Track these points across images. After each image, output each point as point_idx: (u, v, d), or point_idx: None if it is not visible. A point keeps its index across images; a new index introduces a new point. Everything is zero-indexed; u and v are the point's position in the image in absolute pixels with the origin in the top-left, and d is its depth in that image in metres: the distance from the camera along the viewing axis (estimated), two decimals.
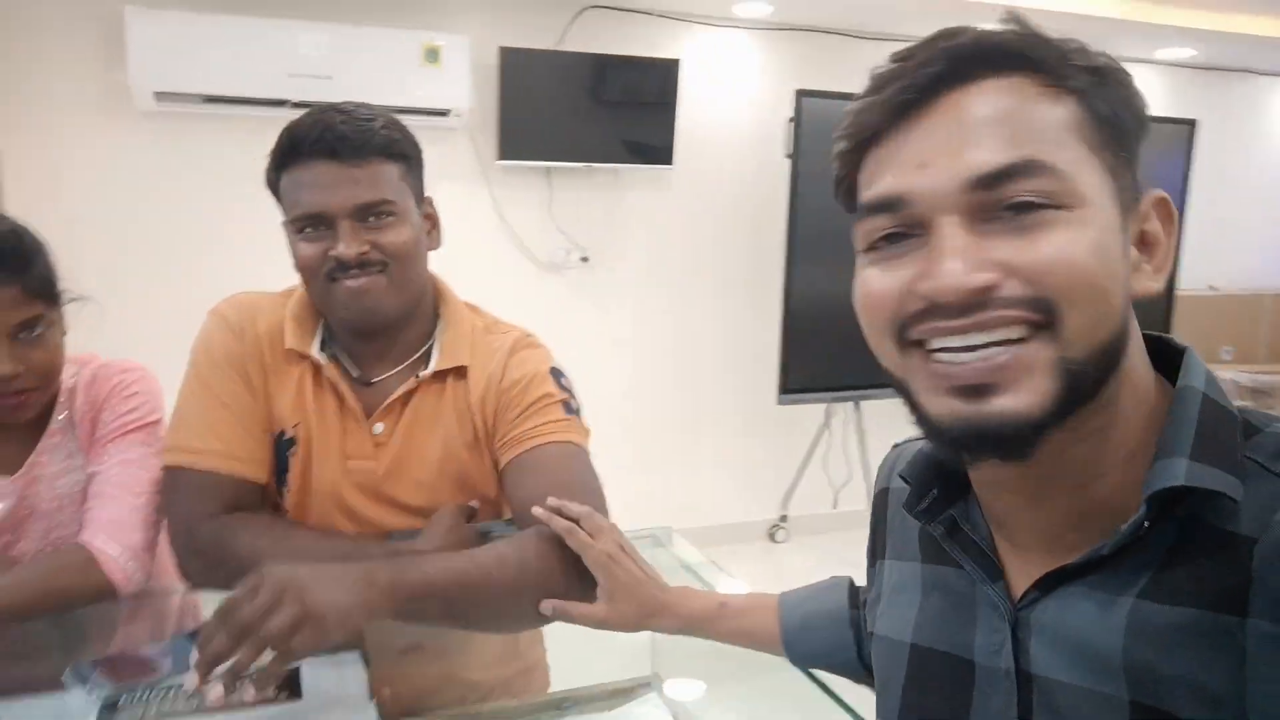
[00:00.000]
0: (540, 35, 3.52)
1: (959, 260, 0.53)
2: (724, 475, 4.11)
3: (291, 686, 0.98)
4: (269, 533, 1.10)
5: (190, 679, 0.82)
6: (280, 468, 1.16)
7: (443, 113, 3.35)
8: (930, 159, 0.54)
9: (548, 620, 1.03)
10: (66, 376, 1.24)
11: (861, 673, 0.92)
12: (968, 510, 0.66)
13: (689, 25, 3.77)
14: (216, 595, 1.10)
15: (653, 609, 0.99)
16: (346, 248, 1.07)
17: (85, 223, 3.10)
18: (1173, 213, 0.59)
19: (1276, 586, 0.50)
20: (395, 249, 1.10)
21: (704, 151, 3.84)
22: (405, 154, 1.13)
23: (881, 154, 0.57)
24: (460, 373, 1.18)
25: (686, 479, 4.01)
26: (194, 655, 0.83)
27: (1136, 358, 0.58)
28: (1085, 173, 0.54)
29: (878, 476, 0.81)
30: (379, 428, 1.16)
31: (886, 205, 0.56)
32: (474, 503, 1.19)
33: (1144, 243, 0.58)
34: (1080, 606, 0.57)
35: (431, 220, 1.19)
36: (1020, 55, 0.55)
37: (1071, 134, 0.54)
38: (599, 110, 3.60)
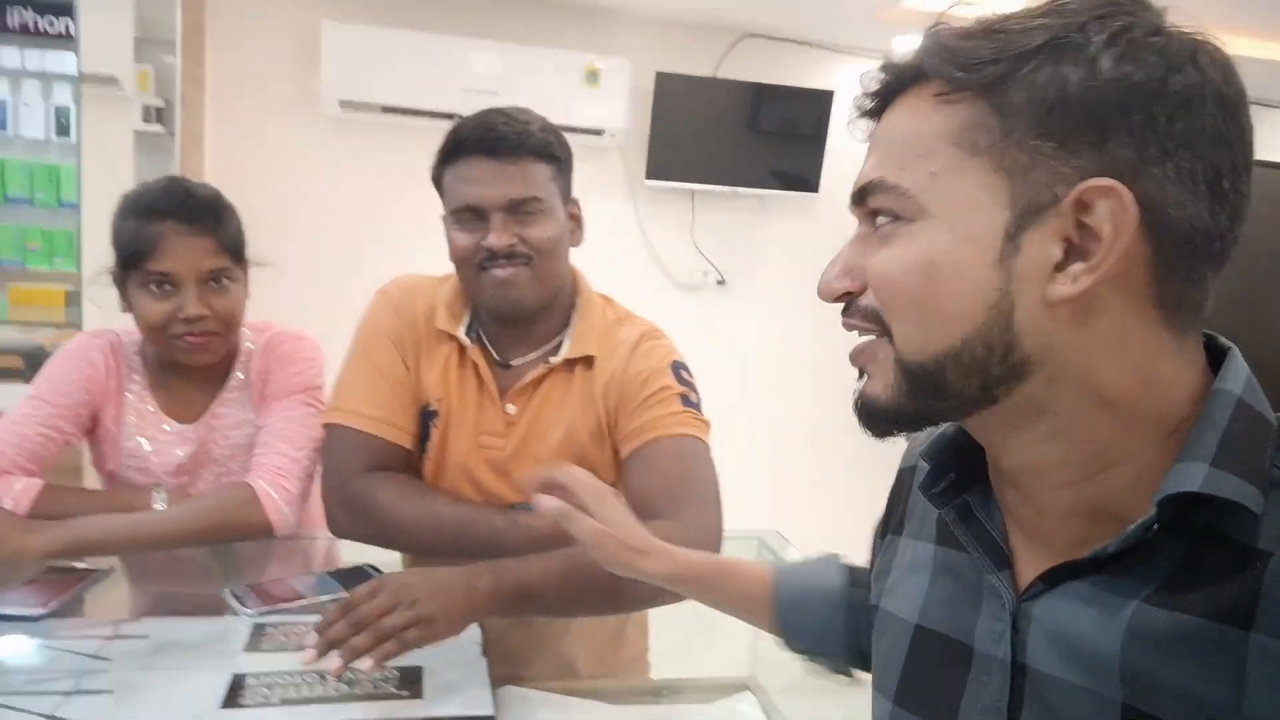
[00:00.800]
0: (697, 62, 3.63)
1: (830, 267, 0.61)
2: (847, 501, 4.07)
3: (413, 680, 1.03)
4: (407, 493, 1.22)
5: (308, 654, 0.95)
6: (422, 436, 1.28)
7: (598, 132, 3.50)
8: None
9: (644, 603, 1.09)
10: (245, 340, 1.40)
11: (842, 655, 0.91)
12: (984, 496, 0.65)
13: (845, 56, 3.79)
14: (354, 544, 1.24)
15: (642, 548, 0.92)
16: (497, 238, 1.17)
17: (275, 208, 3.39)
18: (1125, 203, 0.50)
19: None
20: (540, 243, 1.19)
21: (851, 181, 3.84)
22: (556, 156, 1.22)
23: None
24: (588, 362, 1.26)
25: (809, 503, 4.00)
26: (311, 637, 0.96)
27: (1108, 362, 0.53)
28: (944, 184, 0.54)
29: (906, 454, 0.80)
30: (511, 408, 1.26)
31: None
32: None
33: (1087, 238, 0.51)
34: (1083, 604, 0.56)
35: (576, 219, 1.28)
36: (918, 70, 0.56)
37: (943, 143, 0.54)
38: (749, 137, 3.67)
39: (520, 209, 1.19)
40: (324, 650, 0.94)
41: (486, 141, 1.17)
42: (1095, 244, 0.51)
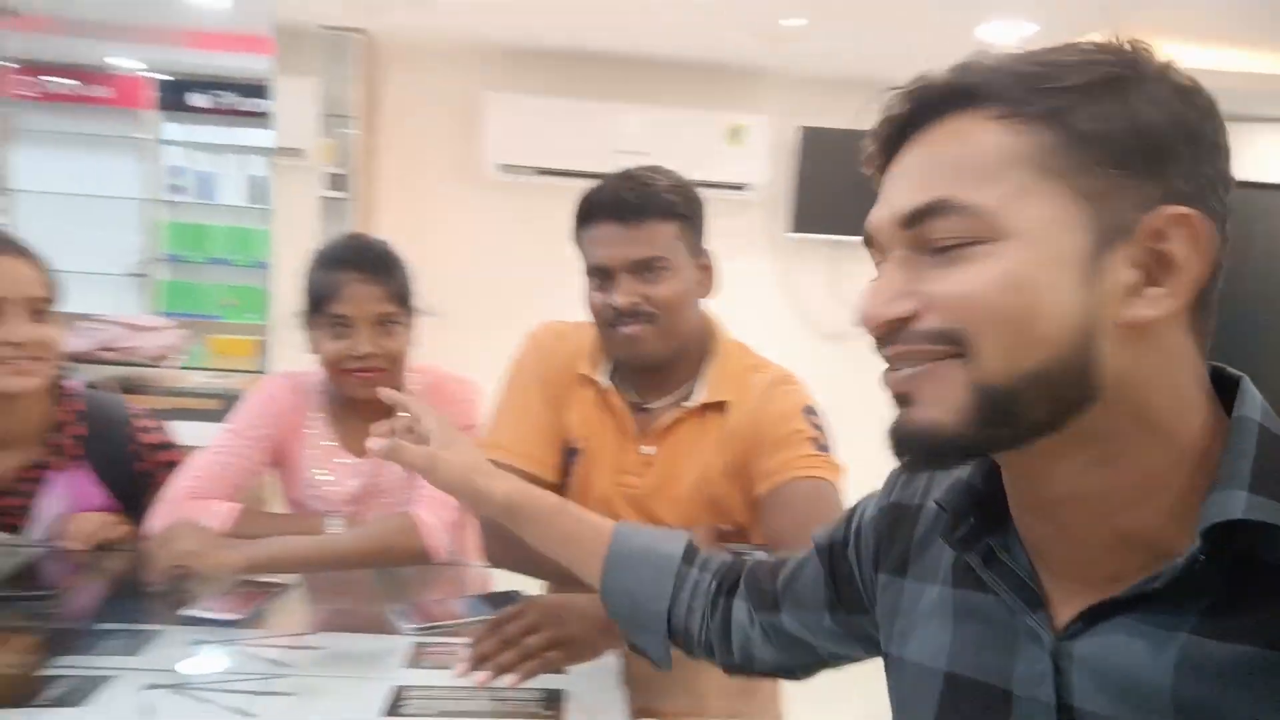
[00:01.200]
0: (838, 115, 3.67)
1: (877, 293, 0.58)
2: None
3: (555, 702, 1.08)
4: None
5: (459, 668, 1.05)
6: (565, 473, 1.36)
7: (740, 187, 3.59)
8: (887, 197, 0.59)
9: None
10: (411, 382, 1.54)
11: (660, 629, 0.91)
12: (1006, 539, 0.64)
13: None
14: (504, 573, 1.33)
15: (487, 469, 0.95)
16: (622, 298, 1.26)
17: (441, 263, 3.62)
18: (1199, 232, 0.53)
19: None
20: (664, 301, 1.26)
21: None
22: (682, 213, 1.28)
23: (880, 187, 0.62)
24: (721, 407, 1.32)
25: None
26: (464, 653, 1.06)
27: (1159, 389, 0.55)
28: (1021, 204, 0.54)
29: (889, 489, 0.78)
30: (648, 449, 1.33)
31: (866, 239, 0.62)
32: (727, 526, 1.31)
33: (1159, 264, 0.53)
34: (1128, 640, 0.55)
35: (707, 270, 1.34)
36: (971, 91, 0.56)
37: (1015, 165, 0.54)
38: None
39: (644, 269, 1.26)
40: (474, 664, 1.03)
41: (612, 206, 1.26)
42: (1167, 271, 0.53)
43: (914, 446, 0.57)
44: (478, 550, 1.36)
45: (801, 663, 0.88)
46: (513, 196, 3.68)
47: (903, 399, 0.58)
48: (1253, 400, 0.56)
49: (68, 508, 1.43)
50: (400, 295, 1.48)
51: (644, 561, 0.91)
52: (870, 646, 0.81)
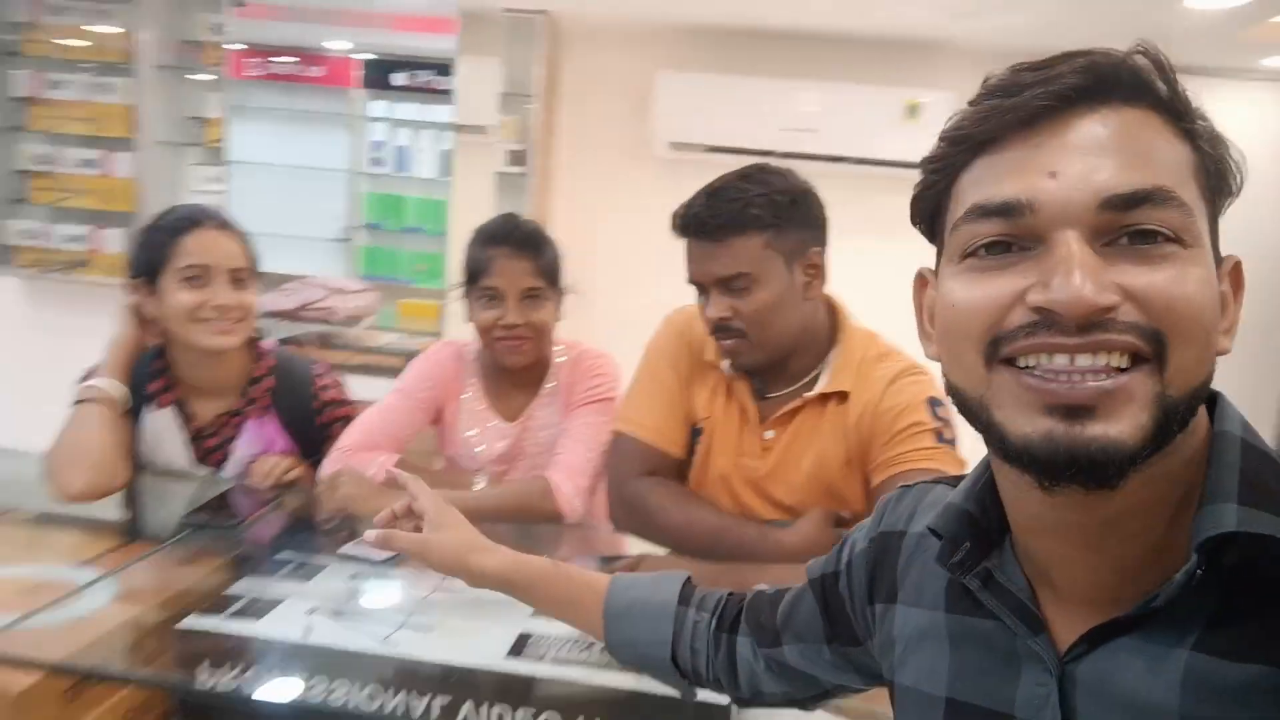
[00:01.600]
0: None
1: (1088, 275, 0.50)
2: None
3: None
4: (674, 499, 1.37)
5: None
6: (688, 451, 1.43)
7: (916, 166, 3.50)
8: (1062, 169, 0.52)
9: None
10: (558, 355, 1.65)
11: (670, 672, 0.90)
12: (1002, 563, 0.63)
13: (1203, 79, 3.45)
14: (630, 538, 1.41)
15: (480, 545, 0.96)
16: (711, 311, 1.31)
17: (610, 239, 3.76)
18: (1243, 281, 0.57)
19: None
20: (751, 315, 1.29)
21: None
22: (771, 223, 1.28)
23: (1001, 159, 0.55)
24: (843, 396, 1.33)
25: None
26: None
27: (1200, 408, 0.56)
28: (1199, 215, 0.53)
29: (878, 517, 0.78)
30: (769, 434, 1.37)
31: (1006, 210, 0.53)
32: (845, 513, 1.33)
33: (1222, 303, 0.55)
34: (1130, 660, 0.54)
35: (815, 269, 1.34)
36: (1153, 90, 0.54)
37: (1191, 176, 0.54)
38: None
39: (730, 285, 1.29)
40: None
41: (696, 224, 1.30)
42: (1225, 309, 0.56)
43: (1085, 465, 0.51)
44: (607, 515, 1.45)
45: (809, 694, 0.87)
46: (681, 174, 3.74)
47: (1079, 411, 0.51)
48: (1232, 415, 0.57)
49: (257, 450, 1.64)
50: (547, 271, 1.58)
51: (641, 611, 0.91)
52: (868, 677, 0.81)
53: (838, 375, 1.35)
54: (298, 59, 4.68)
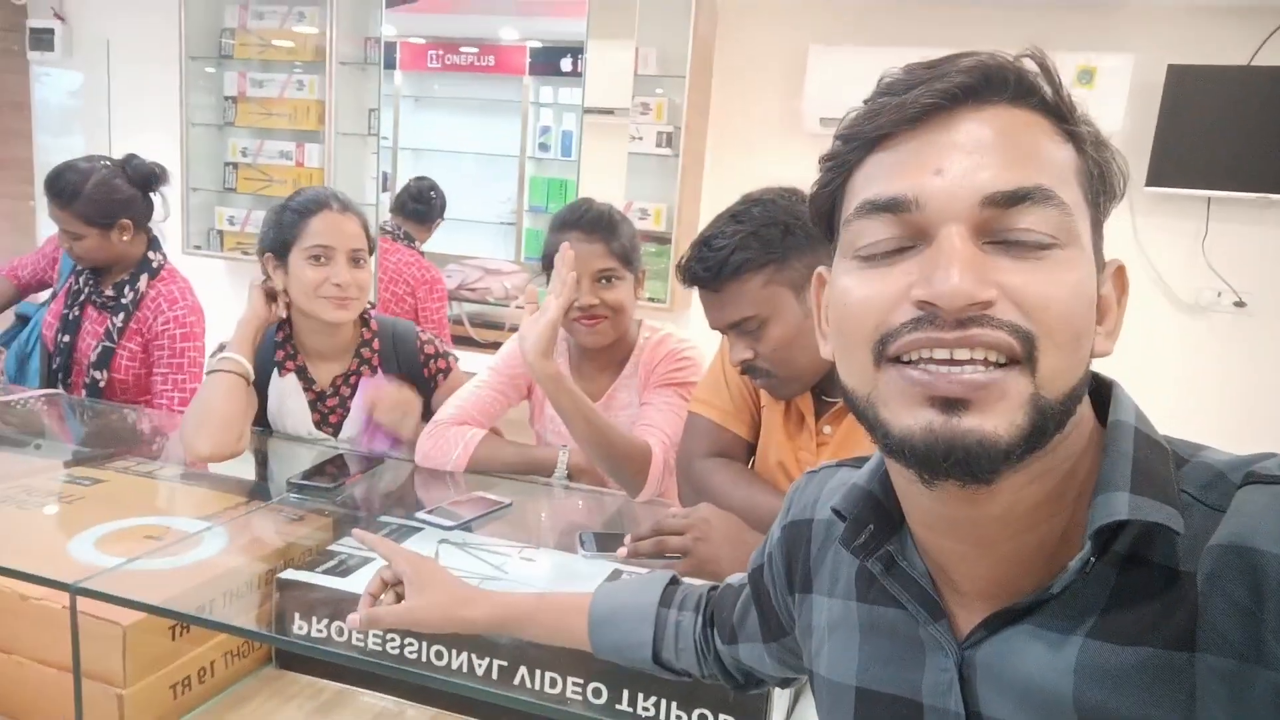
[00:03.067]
0: (1224, 52, 3.14)
1: (968, 269, 0.51)
2: None
3: None
4: (735, 480, 1.38)
5: (623, 551, 1.23)
6: (757, 433, 1.42)
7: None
8: (946, 167, 0.53)
9: None
10: (642, 339, 1.67)
11: (651, 668, 0.92)
12: (903, 546, 0.63)
13: None
14: None
15: (464, 598, 0.96)
16: (734, 356, 1.31)
17: None
18: (1127, 284, 0.59)
19: (1218, 619, 0.49)
20: (771, 353, 1.28)
21: None
22: (764, 262, 1.24)
23: (891, 156, 0.55)
24: None
25: None
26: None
27: (1084, 403, 0.56)
28: (1080, 217, 0.54)
29: (789, 506, 0.78)
30: (826, 429, 1.37)
31: (892, 205, 0.54)
32: None
33: (1101, 306, 0.56)
34: (1027, 646, 0.56)
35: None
36: (1040, 93, 0.55)
37: (1074, 177, 0.55)
38: None
39: (743, 328, 1.28)
40: (633, 551, 1.23)
41: (690, 279, 1.30)
42: (1108, 312, 0.58)
43: (960, 457, 0.51)
44: (677, 494, 1.47)
45: (782, 677, 0.89)
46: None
47: (956, 404, 0.51)
48: (1126, 404, 0.58)
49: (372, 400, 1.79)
50: (620, 253, 1.60)
51: (623, 617, 0.93)
52: (801, 667, 0.81)
53: None
54: (476, 49, 4.93)
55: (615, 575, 1.29)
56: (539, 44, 4.67)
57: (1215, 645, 0.49)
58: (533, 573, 1.31)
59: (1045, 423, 0.51)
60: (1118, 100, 3.15)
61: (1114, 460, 0.54)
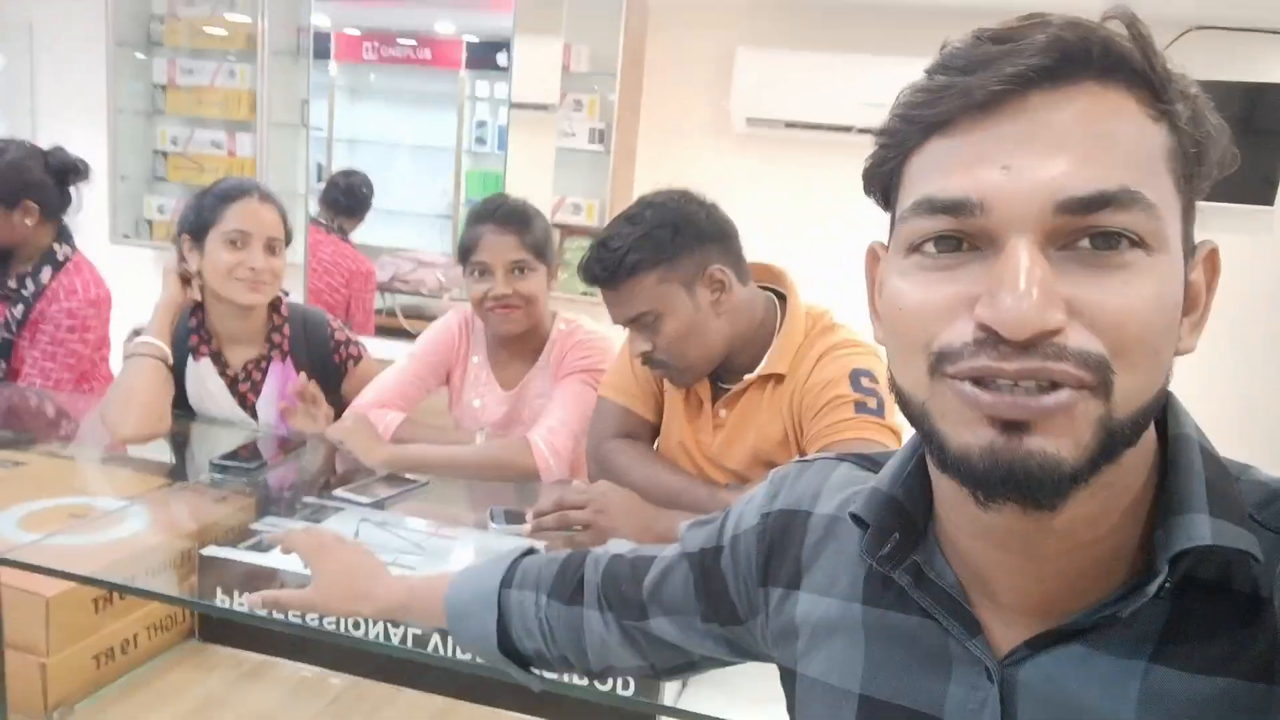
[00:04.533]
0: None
1: (1037, 292, 0.45)
2: None
3: None
4: (640, 459, 1.47)
5: (525, 528, 1.30)
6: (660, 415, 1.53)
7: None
8: (1017, 164, 0.47)
9: None
10: (555, 330, 1.76)
11: (504, 663, 0.88)
12: (931, 557, 0.59)
13: None
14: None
15: (355, 594, 0.95)
16: (633, 349, 1.43)
17: None
18: (1219, 267, 0.51)
19: None
20: (666, 346, 1.38)
21: None
22: (656, 261, 1.35)
23: (951, 146, 0.49)
24: (779, 379, 1.40)
25: None
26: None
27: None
28: (1168, 212, 0.47)
29: (775, 494, 0.73)
30: (722, 412, 1.47)
31: (954, 208, 0.48)
32: None
33: (1189, 296, 0.50)
34: (1079, 668, 0.52)
35: (721, 284, 1.38)
36: (1130, 65, 0.47)
37: (1165, 164, 0.48)
38: None
39: (640, 322, 1.38)
40: (537, 527, 1.31)
41: (590, 278, 1.40)
42: (1196, 302, 0.51)
43: (1021, 480, 0.47)
44: (585, 474, 1.56)
45: (671, 665, 0.83)
46: (760, 149, 3.77)
47: (1019, 425, 0.47)
48: (1186, 417, 0.53)
49: (282, 385, 1.84)
50: (534, 245, 1.69)
51: (472, 605, 0.89)
52: (742, 653, 0.78)
53: (772, 360, 1.41)
54: (413, 42, 4.94)
55: (530, 551, 1.37)
56: (475, 38, 4.71)
57: None
58: (449, 548, 1.38)
59: (1114, 443, 0.47)
60: None
61: (1186, 479, 0.50)
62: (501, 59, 4.85)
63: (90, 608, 1.35)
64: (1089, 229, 0.46)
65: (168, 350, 1.73)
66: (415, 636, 1.16)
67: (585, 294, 3.71)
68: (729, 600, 0.75)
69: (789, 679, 0.69)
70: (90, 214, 2.21)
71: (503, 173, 4.07)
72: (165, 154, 4.31)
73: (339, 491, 1.50)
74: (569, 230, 3.86)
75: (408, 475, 1.59)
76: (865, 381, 1.33)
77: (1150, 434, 0.52)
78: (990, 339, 0.46)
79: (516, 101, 3.70)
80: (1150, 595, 0.49)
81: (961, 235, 0.49)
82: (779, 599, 0.70)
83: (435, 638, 1.15)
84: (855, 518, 0.60)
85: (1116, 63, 0.47)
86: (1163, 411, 0.53)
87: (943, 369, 0.49)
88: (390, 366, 1.82)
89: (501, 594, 0.87)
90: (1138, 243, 0.46)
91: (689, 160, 3.85)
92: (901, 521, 0.59)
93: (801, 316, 1.45)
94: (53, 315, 2.05)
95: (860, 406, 1.31)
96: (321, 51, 4.26)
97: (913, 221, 0.50)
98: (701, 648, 0.79)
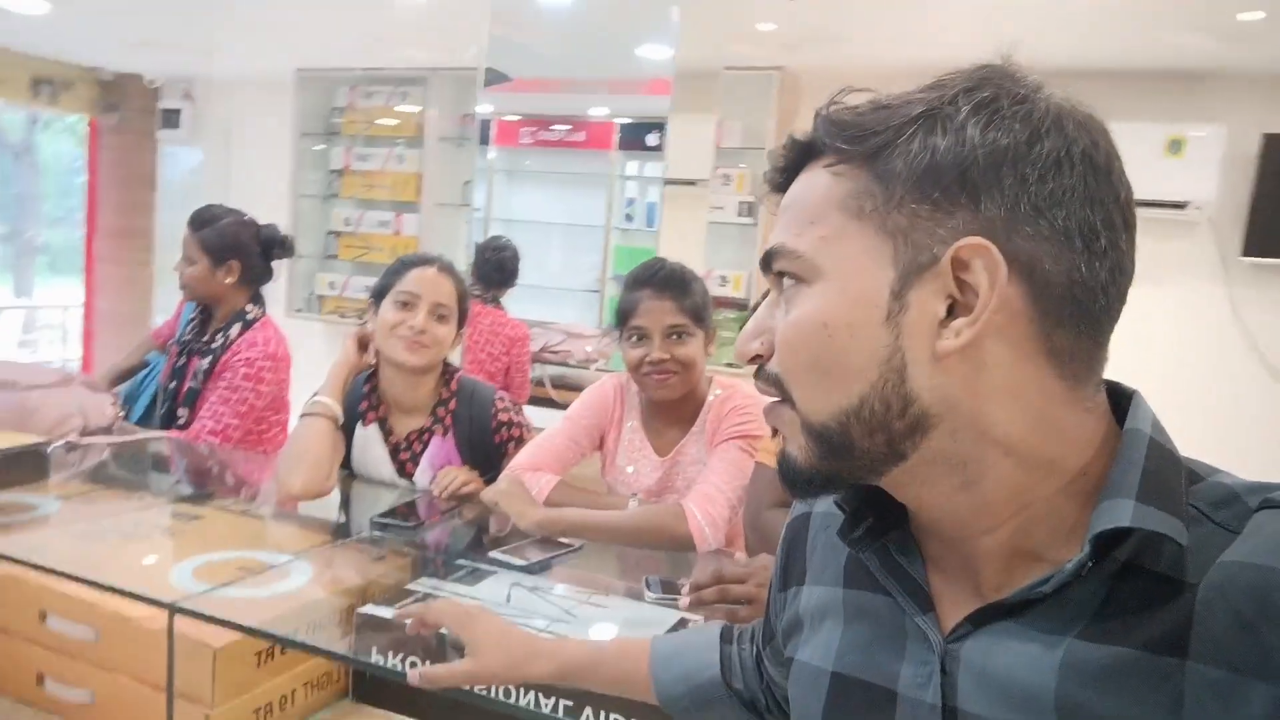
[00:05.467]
0: None
1: (749, 327, 0.62)
2: None
3: None
4: None
5: (684, 600, 1.25)
6: None
7: (1181, 205, 3.18)
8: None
9: None
10: (712, 395, 1.71)
11: (723, 694, 0.89)
12: (903, 540, 0.65)
13: None
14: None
15: (523, 655, 0.94)
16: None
17: None
18: (995, 259, 0.53)
19: (1218, 630, 0.49)
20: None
21: None
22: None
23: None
24: None
25: None
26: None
27: (1001, 410, 0.55)
28: (834, 247, 0.57)
29: (796, 507, 0.80)
30: None
31: (762, 262, 0.63)
32: None
33: (965, 294, 0.54)
34: (1013, 644, 0.56)
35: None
36: (812, 146, 0.60)
37: (832, 209, 0.58)
38: None
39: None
40: (693, 600, 1.26)
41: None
42: (975, 300, 0.54)
43: (786, 480, 0.62)
44: (742, 544, 1.48)
45: None
46: None
47: (775, 432, 0.63)
48: (1144, 414, 0.58)
49: (440, 463, 1.85)
50: (692, 310, 1.66)
51: (686, 649, 0.93)
52: (777, 682, 0.83)
53: None
54: (568, 126, 5.15)
55: (681, 624, 1.31)
56: (627, 120, 4.86)
57: (1210, 655, 0.50)
58: (601, 617, 1.33)
59: (832, 442, 0.58)
60: (1209, 171, 3.10)
61: (1124, 467, 0.55)
62: (652, 139, 4.98)
63: (254, 661, 1.36)
64: (775, 277, 0.61)
65: (338, 410, 1.78)
66: (566, 706, 1.12)
67: (730, 365, 3.67)
68: (769, 617, 0.82)
69: (788, 670, 0.74)
70: (269, 288, 2.39)
71: (652, 247, 4.13)
72: (338, 233, 4.61)
73: (493, 553, 1.49)
74: (717, 302, 3.85)
75: (561, 539, 1.57)
76: None
77: (1103, 428, 0.57)
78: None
79: (669, 178, 3.76)
80: (1067, 572, 0.53)
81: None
82: (792, 596, 0.76)
83: (588, 708, 1.10)
84: (838, 504, 0.67)
85: (808, 148, 0.60)
86: (1126, 407, 0.58)
87: None
88: (545, 431, 1.82)
89: (722, 647, 0.92)
90: (793, 280, 0.59)
91: None
92: (878, 508, 0.65)
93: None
94: (233, 365, 2.21)
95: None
96: (482, 137, 4.49)
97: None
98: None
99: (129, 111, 5.35)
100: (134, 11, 3.93)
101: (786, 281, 0.60)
